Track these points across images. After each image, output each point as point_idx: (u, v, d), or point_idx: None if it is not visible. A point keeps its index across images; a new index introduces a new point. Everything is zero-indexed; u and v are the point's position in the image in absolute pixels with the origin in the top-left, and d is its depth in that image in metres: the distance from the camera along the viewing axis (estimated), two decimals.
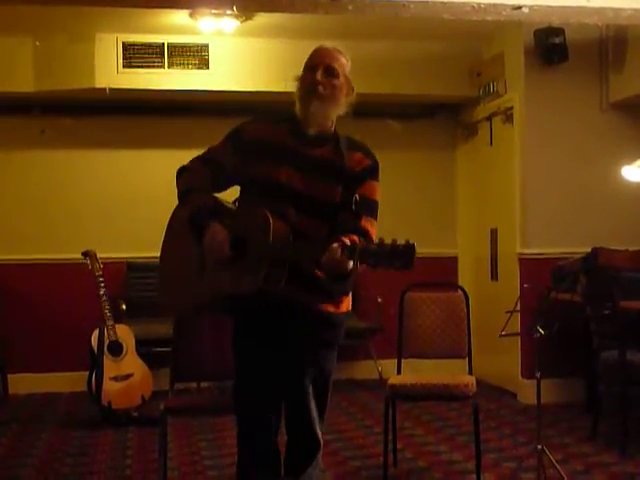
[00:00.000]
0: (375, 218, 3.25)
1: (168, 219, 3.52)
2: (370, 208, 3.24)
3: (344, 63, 3.30)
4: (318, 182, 3.21)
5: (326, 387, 3.41)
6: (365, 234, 3.11)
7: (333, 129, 3.33)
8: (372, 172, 3.29)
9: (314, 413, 3.37)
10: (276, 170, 3.22)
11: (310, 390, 3.35)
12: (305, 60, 3.33)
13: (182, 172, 3.42)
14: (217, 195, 3.43)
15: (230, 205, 3.41)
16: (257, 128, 3.35)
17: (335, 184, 3.21)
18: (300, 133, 3.27)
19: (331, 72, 3.24)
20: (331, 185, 3.21)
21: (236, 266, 3.16)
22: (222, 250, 3.17)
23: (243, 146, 3.31)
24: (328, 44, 3.34)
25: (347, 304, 3.39)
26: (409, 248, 2.76)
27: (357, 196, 3.17)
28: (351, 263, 2.91)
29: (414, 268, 2.76)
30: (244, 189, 3.38)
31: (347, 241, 2.89)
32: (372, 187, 3.27)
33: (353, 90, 3.32)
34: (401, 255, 2.76)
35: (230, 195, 3.46)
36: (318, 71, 3.22)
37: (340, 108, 3.28)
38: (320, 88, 3.21)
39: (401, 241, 2.78)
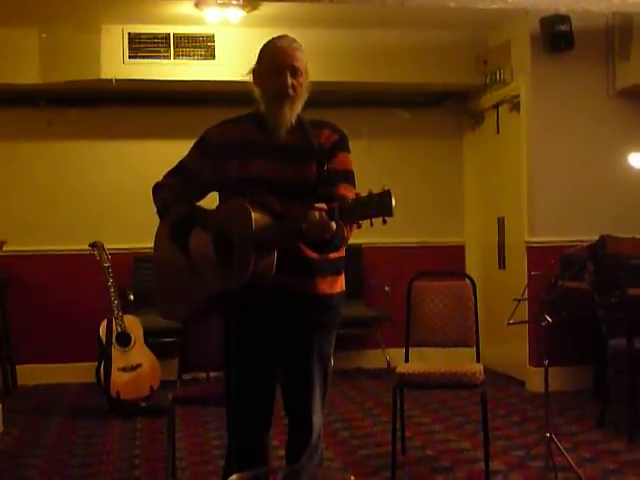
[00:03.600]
0: (354, 186, 3.29)
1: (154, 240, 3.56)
2: (347, 177, 3.30)
3: (302, 58, 3.34)
4: (293, 167, 3.27)
5: (325, 371, 3.42)
6: (343, 198, 3.10)
7: None
8: (341, 145, 3.35)
9: (314, 401, 3.38)
10: (250, 164, 3.29)
11: (314, 376, 3.36)
12: (271, 53, 3.36)
13: (156, 189, 3.50)
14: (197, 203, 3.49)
15: (209, 209, 3.44)
16: (221, 130, 3.44)
17: (308, 164, 3.27)
18: (266, 125, 3.34)
19: (295, 72, 3.29)
20: (305, 166, 3.27)
21: (224, 263, 3.20)
22: (207, 256, 3.22)
23: (211, 150, 3.39)
24: (284, 40, 3.35)
25: (341, 284, 3.41)
26: (385, 194, 2.77)
27: (326, 168, 3.23)
28: (334, 224, 2.93)
29: (394, 214, 2.76)
30: (222, 192, 3.43)
31: (323, 205, 2.93)
32: (345, 159, 3.34)
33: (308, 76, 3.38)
34: (378, 202, 2.78)
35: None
36: (286, 74, 3.27)
37: (304, 100, 3.35)
38: (290, 91, 3.27)
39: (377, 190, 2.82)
